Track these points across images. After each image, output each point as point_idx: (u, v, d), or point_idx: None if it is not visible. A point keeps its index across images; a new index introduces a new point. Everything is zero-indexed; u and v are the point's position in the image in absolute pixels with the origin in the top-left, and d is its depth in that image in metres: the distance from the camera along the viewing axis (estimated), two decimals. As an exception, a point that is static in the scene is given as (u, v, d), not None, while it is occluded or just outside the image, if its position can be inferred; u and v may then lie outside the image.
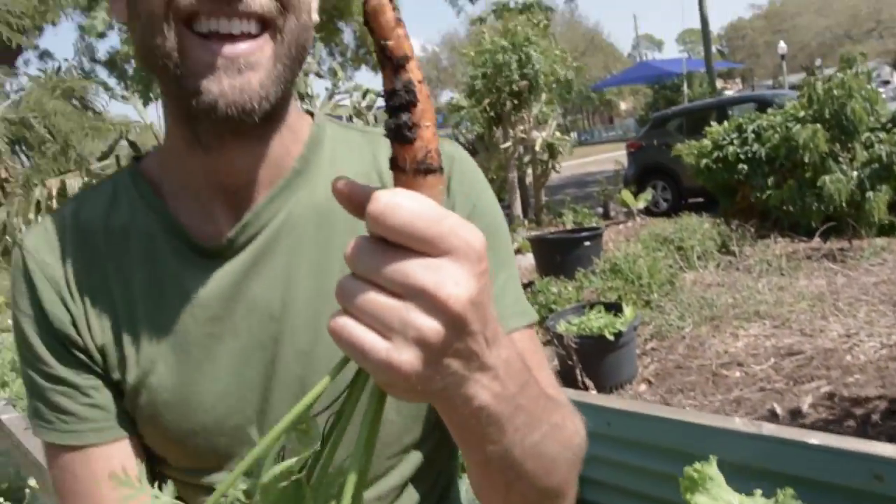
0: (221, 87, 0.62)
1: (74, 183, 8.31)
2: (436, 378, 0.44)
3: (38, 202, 8.22)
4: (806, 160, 6.30)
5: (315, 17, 0.74)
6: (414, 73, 0.44)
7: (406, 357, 0.43)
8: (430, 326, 0.43)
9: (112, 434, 0.75)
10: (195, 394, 0.74)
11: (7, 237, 8.03)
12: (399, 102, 0.44)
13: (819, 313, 4.78)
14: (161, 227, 0.75)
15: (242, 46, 0.62)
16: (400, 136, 0.44)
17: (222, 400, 0.74)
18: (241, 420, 0.74)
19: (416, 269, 0.43)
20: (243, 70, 0.62)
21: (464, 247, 0.44)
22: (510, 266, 0.81)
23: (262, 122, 0.66)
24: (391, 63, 0.44)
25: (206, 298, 0.73)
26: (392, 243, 0.43)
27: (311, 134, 0.78)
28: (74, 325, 0.75)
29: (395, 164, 0.46)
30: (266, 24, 0.64)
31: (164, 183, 0.77)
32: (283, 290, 0.73)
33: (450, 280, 0.43)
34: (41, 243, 0.77)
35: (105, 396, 0.76)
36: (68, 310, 0.74)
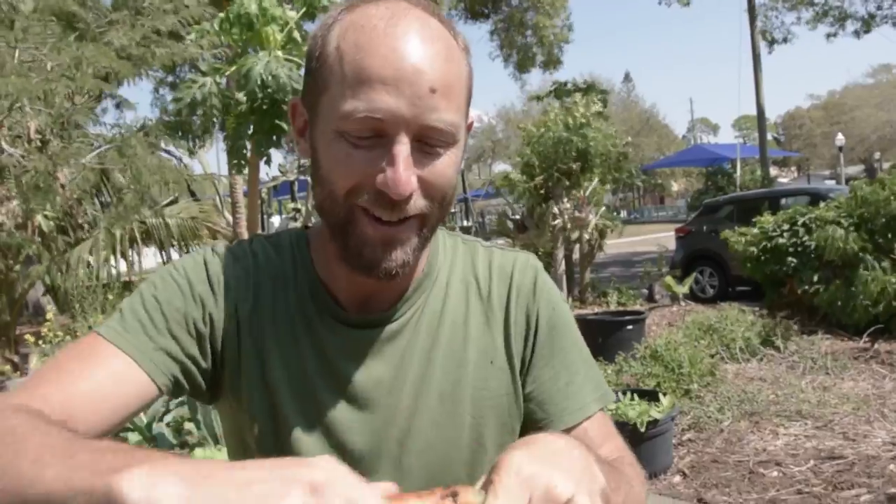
0: (376, 255, 0.79)
1: (152, 231, 8.80)
2: None
3: (118, 243, 8.70)
4: (833, 257, 6.27)
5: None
6: None
7: None
8: None
9: (146, 366, 0.81)
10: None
11: (90, 270, 8.50)
12: None
13: (863, 417, 4.70)
14: (311, 292, 0.90)
15: (397, 227, 0.79)
16: None
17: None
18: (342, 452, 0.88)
19: None
20: (395, 244, 0.79)
21: None
22: (586, 355, 0.98)
23: None
24: None
25: (334, 358, 0.88)
26: None
27: (432, 246, 0.94)
28: (210, 321, 0.87)
29: None
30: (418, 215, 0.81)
31: (317, 262, 0.92)
32: (396, 367, 0.89)
33: None
34: (223, 257, 0.91)
35: (175, 359, 0.84)
36: (215, 302, 0.88)
